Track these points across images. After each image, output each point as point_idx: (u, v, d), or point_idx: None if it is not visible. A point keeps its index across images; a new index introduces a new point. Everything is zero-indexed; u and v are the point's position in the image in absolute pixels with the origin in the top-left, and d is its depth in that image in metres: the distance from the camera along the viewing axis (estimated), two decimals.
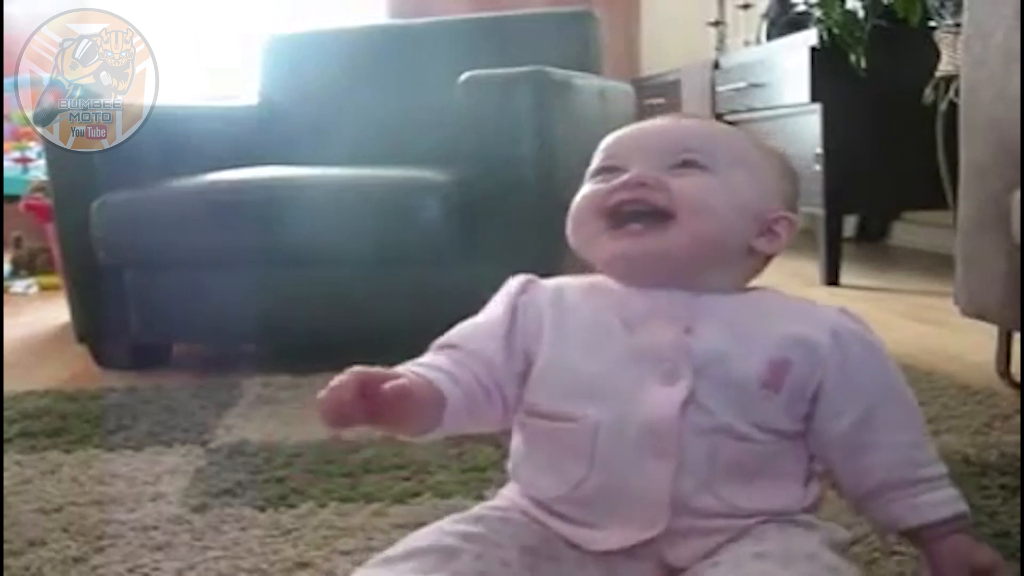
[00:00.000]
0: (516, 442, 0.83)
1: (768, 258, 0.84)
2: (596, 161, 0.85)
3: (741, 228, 0.80)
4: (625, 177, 0.79)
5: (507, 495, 0.82)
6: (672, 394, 0.74)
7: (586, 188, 0.83)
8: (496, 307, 0.82)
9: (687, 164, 0.80)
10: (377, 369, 0.71)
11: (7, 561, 1.04)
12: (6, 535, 1.11)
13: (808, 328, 0.77)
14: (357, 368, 0.70)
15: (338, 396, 0.68)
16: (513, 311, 0.81)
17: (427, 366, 0.77)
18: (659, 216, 0.78)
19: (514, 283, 0.84)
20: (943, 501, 0.77)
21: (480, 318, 0.83)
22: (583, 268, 0.85)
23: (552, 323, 0.79)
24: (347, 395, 0.68)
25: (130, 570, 1.01)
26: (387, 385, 0.68)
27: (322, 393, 0.68)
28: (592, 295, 0.81)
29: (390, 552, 0.73)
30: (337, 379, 0.69)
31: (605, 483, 0.74)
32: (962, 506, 0.78)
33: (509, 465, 0.83)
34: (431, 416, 0.74)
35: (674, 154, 0.80)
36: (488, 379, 0.78)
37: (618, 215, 0.79)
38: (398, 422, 0.71)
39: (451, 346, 0.80)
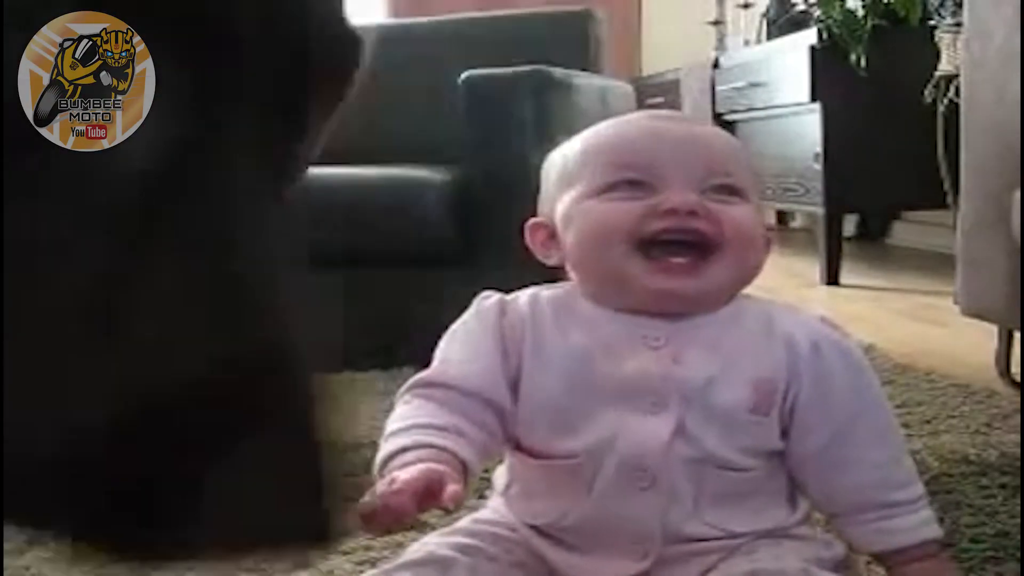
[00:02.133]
0: (506, 463, 0.81)
1: None
2: (611, 170, 0.75)
3: (761, 255, 0.78)
4: (672, 203, 0.72)
5: (498, 508, 0.80)
6: (659, 425, 0.71)
7: (608, 203, 0.74)
8: (482, 337, 0.76)
9: (724, 189, 0.74)
10: (423, 476, 0.64)
11: (7, 561, 1.04)
12: (6, 535, 1.11)
13: (790, 340, 0.75)
14: (404, 478, 0.63)
15: (399, 512, 0.62)
16: (502, 342, 0.76)
17: (440, 429, 0.71)
18: (703, 247, 0.73)
19: (490, 306, 0.78)
20: (911, 526, 0.75)
21: (466, 350, 0.77)
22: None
23: (531, 350, 0.75)
24: (409, 511, 0.62)
25: (130, 570, 1.01)
26: (447, 497, 0.62)
27: (370, 503, 0.62)
28: (568, 317, 0.76)
29: (386, 565, 0.73)
30: (386, 489, 0.63)
31: (593, 516, 0.73)
32: (933, 531, 0.76)
33: (496, 479, 0.82)
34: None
35: (710, 176, 0.74)
36: (495, 421, 0.74)
37: (656, 244, 0.73)
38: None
39: (448, 386, 0.74)
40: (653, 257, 0.73)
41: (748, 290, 0.81)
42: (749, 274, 0.77)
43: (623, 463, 0.72)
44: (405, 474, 0.64)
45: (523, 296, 0.79)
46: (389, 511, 0.62)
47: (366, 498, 0.62)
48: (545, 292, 0.79)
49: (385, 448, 0.71)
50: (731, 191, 0.75)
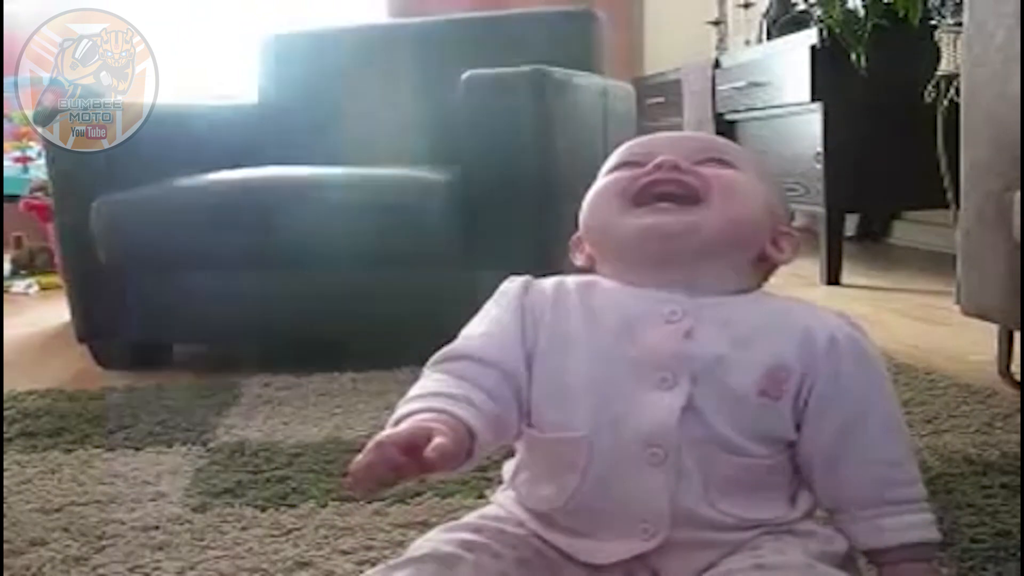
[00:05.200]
0: (516, 456, 0.81)
1: (770, 271, 0.84)
2: (614, 160, 0.84)
3: (763, 228, 0.81)
4: (658, 160, 0.79)
5: (503, 503, 0.81)
6: (670, 401, 0.72)
7: (607, 178, 0.82)
8: (504, 312, 0.79)
9: (714, 160, 0.80)
10: (409, 430, 0.66)
11: (8, 561, 1.04)
12: (7, 535, 1.11)
13: (807, 333, 0.76)
14: (389, 433, 0.65)
15: (384, 462, 0.63)
16: (521, 317, 0.78)
17: (449, 397, 0.72)
18: (688, 199, 0.78)
19: (515, 286, 0.81)
20: (905, 527, 0.75)
21: (487, 324, 0.79)
22: (581, 270, 0.84)
23: (550, 329, 0.77)
24: (394, 460, 0.63)
25: (131, 570, 1.01)
26: (430, 448, 0.63)
27: (359, 461, 0.63)
28: (589, 296, 0.79)
29: (391, 562, 0.73)
30: (374, 446, 0.64)
31: (603, 494, 0.73)
32: (927, 533, 0.76)
33: (505, 472, 0.82)
34: (463, 456, 0.70)
35: (700, 152, 0.81)
36: (510, 393, 0.75)
37: (645, 196, 0.79)
38: (434, 473, 0.67)
39: (466, 357, 0.76)
40: (643, 206, 0.79)
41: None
42: (740, 225, 0.79)
43: (635, 438, 0.72)
44: (392, 429, 0.66)
45: (549, 279, 0.82)
46: (375, 466, 0.63)
47: (358, 459, 0.63)
48: (571, 276, 0.82)
49: (395, 414, 0.72)
50: (721, 162, 0.81)
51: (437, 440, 0.64)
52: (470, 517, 0.79)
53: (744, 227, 0.79)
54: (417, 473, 0.64)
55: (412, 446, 0.64)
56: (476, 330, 0.79)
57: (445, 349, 0.78)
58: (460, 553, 0.71)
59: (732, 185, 0.79)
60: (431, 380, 0.75)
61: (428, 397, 0.72)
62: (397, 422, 0.70)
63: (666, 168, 0.79)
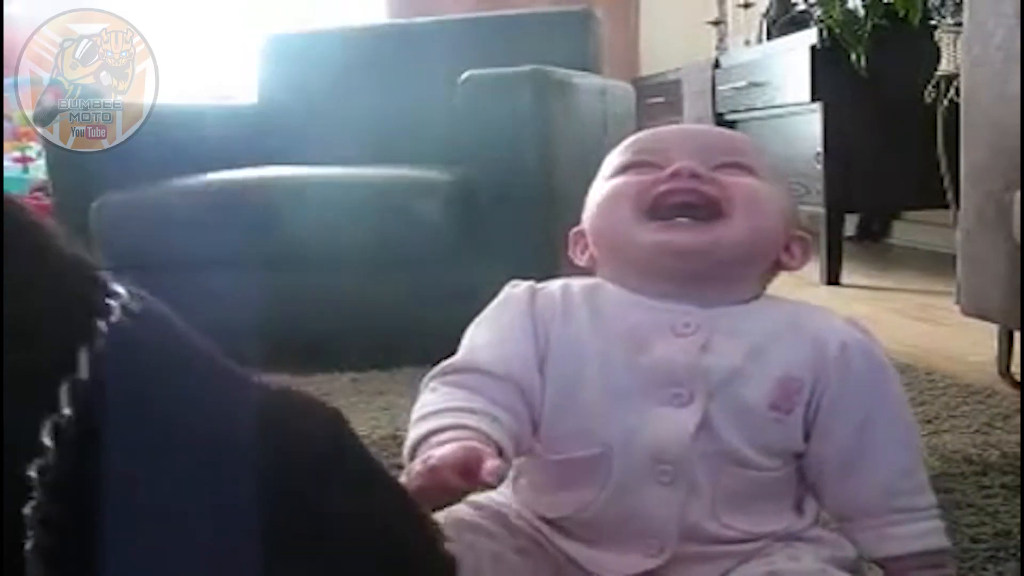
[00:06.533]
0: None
1: (775, 274, 0.81)
2: (624, 156, 0.79)
3: (780, 237, 0.78)
4: (675, 167, 0.75)
5: (504, 492, 0.78)
6: (685, 418, 0.70)
7: (616, 180, 0.77)
8: (512, 320, 0.75)
9: (733, 166, 0.76)
10: (462, 452, 0.62)
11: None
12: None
13: (818, 339, 0.74)
14: (442, 456, 0.62)
15: (439, 488, 0.60)
16: (533, 326, 0.74)
17: (472, 413, 0.68)
18: (708, 212, 0.74)
19: (521, 291, 0.77)
20: (913, 536, 0.73)
21: (494, 332, 0.75)
22: (579, 269, 0.82)
23: (559, 338, 0.74)
24: (450, 484, 0.60)
25: None
26: (486, 472, 0.60)
27: (409, 483, 0.60)
28: (595, 303, 0.76)
29: None
30: (427, 471, 0.61)
31: (612, 509, 0.71)
32: (935, 541, 0.74)
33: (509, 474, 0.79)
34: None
35: (718, 154, 0.77)
36: (524, 407, 0.72)
37: (661, 208, 0.74)
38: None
39: (477, 370, 0.72)
40: (659, 219, 0.74)
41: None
42: (761, 240, 0.76)
43: (646, 456, 0.70)
44: (440, 451, 0.62)
45: (554, 284, 0.78)
46: (427, 490, 0.60)
47: (401, 479, 0.60)
48: (575, 281, 0.78)
49: (415, 431, 0.68)
50: (740, 167, 0.76)
51: (492, 463, 0.61)
52: (477, 495, 0.76)
53: (763, 241, 0.76)
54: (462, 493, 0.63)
55: (467, 469, 0.61)
56: (481, 339, 0.75)
57: (452, 360, 0.75)
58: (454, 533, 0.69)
59: (754, 197, 0.75)
60: (443, 394, 0.71)
61: (453, 412, 0.68)
62: (423, 438, 0.67)
63: (684, 176, 0.74)
